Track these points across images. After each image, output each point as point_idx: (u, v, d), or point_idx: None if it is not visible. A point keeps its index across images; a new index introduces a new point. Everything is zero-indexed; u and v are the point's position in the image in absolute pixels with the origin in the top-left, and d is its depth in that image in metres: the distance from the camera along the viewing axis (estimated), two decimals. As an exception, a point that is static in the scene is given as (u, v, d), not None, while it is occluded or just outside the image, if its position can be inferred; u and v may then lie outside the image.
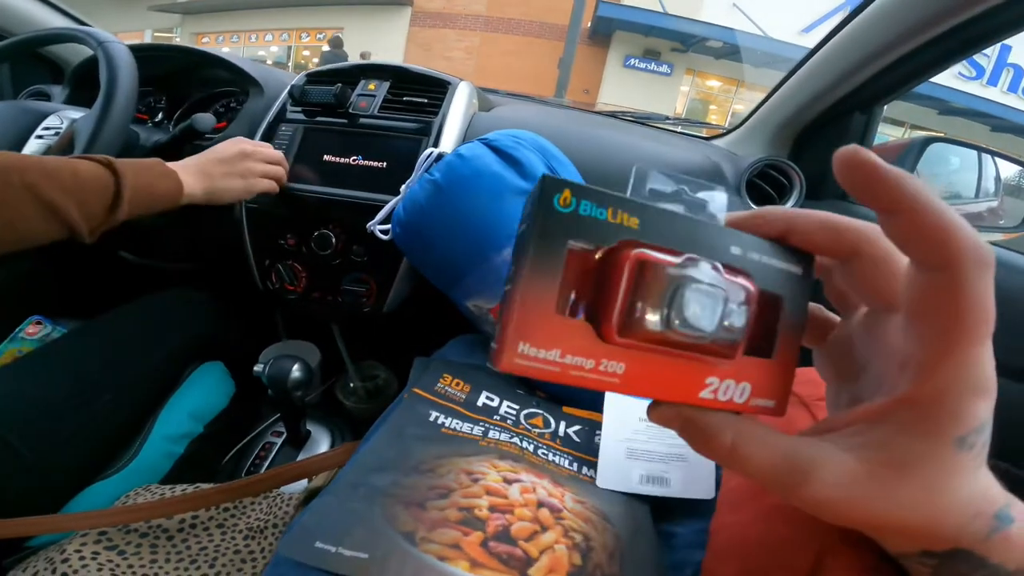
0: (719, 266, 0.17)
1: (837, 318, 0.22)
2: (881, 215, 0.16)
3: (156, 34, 11.57)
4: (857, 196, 0.16)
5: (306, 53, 11.79)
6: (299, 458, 0.76)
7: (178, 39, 11.76)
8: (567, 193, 0.16)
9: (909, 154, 0.88)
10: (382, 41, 10.60)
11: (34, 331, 0.77)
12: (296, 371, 0.66)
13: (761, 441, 0.17)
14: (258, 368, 0.69)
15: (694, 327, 0.16)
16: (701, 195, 0.20)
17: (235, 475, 0.73)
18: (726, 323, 0.17)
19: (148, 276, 0.94)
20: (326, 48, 8.68)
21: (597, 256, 0.16)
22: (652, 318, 0.16)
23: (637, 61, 10.32)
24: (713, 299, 0.16)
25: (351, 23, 10.90)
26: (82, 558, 0.43)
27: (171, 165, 0.60)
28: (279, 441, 0.77)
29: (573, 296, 0.16)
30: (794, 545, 0.26)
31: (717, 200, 0.20)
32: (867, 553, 0.22)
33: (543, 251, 0.16)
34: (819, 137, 0.82)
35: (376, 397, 0.93)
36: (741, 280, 0.17)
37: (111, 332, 0.70)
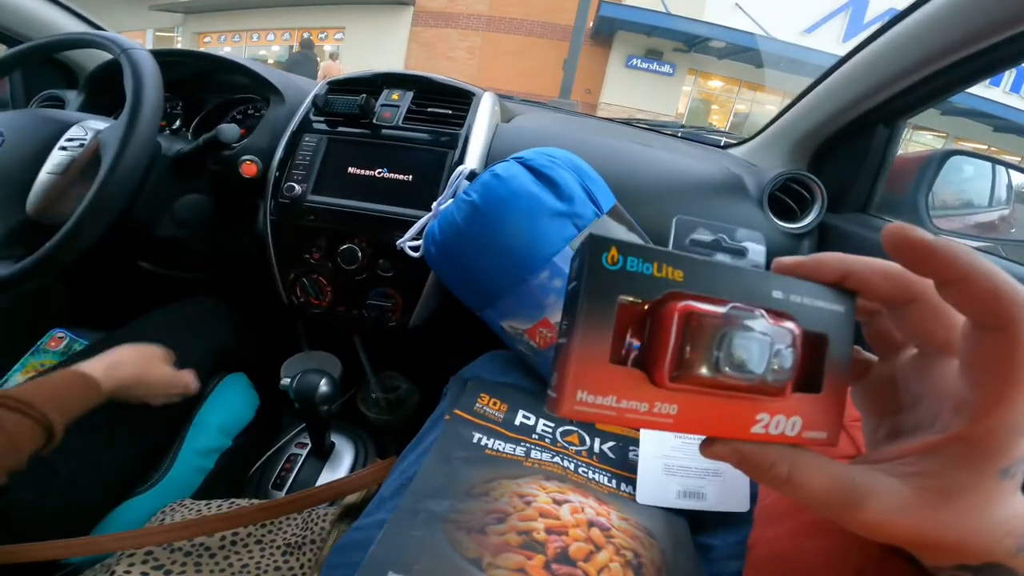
0: (763, 312, 0.18)
1: (874, 357, 0.24)
2: (937, 284, 0.18)
3: (157, 33, 11.54)
4: (912, 270, 0.18)
5: (307, 52, 11.76)
6: (323, 469, 0.76)
7: (179, 38, 11.74)
8: (614, 251, 0.17)
9: (930, 166, 0.88)
10: (384, 40, 10.59)
11: (56, 344, 0.77)
12: (324, 386, 0.66)
13: (817, 470, 0.18)
14: (285, 382, 0.69)
15: (742, 371, 0.17)
16: (741, 242, 0.20)
17: (261, 487, 0.73)
18: (774, 365, 0.18)
19: (167, 286, 0.94)
20: (295, 49, 8.43)
21: (645, 308, 0.18)
22: (702, 365, 0.17)
23: (639, 61, 10.32)
24: (760, 344, 0.18)
25: (352, 22, 10.89)
26: (128, 577, 0.43)
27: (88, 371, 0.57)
28: (304, 453, 0.77)
29: (625, 346, 0.18)
30: (833, 559, 0.28)
31: (756, 246, 0.21)
32: (905, 566, 0.24)
33: (595, 307, 0.17)
34: (841, 149, 0.82)
35: (397, 408, 0.93)
36: (786, 323, 0.18)
37: (135, 343, 0.70)
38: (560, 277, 0.50)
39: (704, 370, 0.17)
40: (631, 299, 0.17)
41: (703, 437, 0.19)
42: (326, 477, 0.75)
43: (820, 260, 0.20)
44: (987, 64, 0.59)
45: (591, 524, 0.36)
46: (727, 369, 0.17)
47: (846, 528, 0.19)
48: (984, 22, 0.54)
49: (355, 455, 0.79)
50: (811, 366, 0.19)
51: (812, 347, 0.19)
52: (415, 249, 0.59)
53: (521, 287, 0.50)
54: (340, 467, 0.77)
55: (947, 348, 0.20)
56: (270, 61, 11.61)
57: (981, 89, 8.76)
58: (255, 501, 0.54)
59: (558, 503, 0.37)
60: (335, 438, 0.81)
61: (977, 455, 0.18)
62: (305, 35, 9.09)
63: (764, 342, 0.18)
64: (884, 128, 0.78)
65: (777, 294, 0.19)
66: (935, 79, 0.64)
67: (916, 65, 0.63)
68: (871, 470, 0.19)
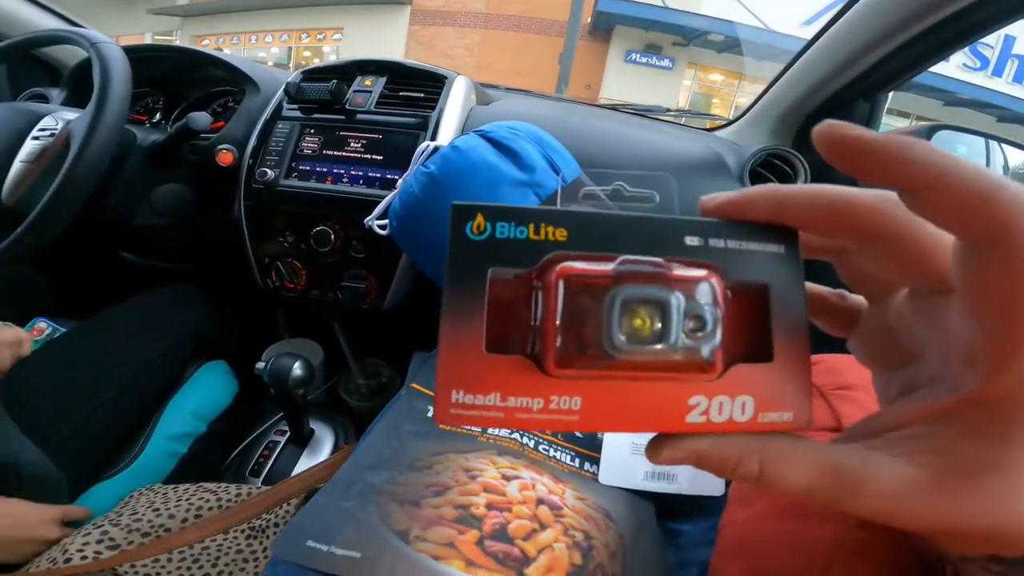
0: (668, 265, 0.14)
1: (862, 300, 0.19)
2: (901, 194, 0.14)
3: (156, 37, 11.59)
4: (862, 179, 0.14)
5: (307, 54, 11.79)
6: (302, 456, 0.76)
7: (178, 42, 11.78)
8: (479, 219, 0.14)
9: (914, 142, 0.87)
10: (382, 40, 10.60)
11: (38, 333, 0.77)
12: (297, 369, 0.66)
13: (794, 458, 0.15)
14: (260, 366, 0.69)
15: (646, 343, 0.14)
16: (646, 190, 0.18)
17: (239, 474, 0.73)
18: (690, 329, 0.14)
19: (149, 276, 0.94)
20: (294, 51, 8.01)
21: (533, 281, 0.14)
22: (596, 341, 0.14)
23: (638, 56, 10.27)
24: (661, 305, 0.14)
25: (351, 23, 10.90)
26: (84, 557, 0.43)
27: None
28: (283, 440, 0.77)
29: (507, 331, 0.14)
30: (802, 545, 0.25)
31: (665, 188, 0.17)
32: (883, 554, 0.21)
33: (460, 287, 0.14)
34: (823, 126, 0.81)
35: (380, 395, 0.93)
36: (700, 274, 0.14)
37: (106, 331, 0.70)
38: None
39: (600, 347, 0.14)
40: (505, 274, 0.14)
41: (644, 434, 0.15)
42: (305, 464, 0.74)
43: (747, 195, 0.15)
44: (955, 34, 0.58)
45: (540, 502, 0.35)
46: (624, 342, 0.14)
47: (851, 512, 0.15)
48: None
49: (335, 442, 0.79)
50: (755, 329, 0.15)
51: (751, 303, 0.15)
52: (383, 227, 0.59)
53: None
54: (320, 454, 0.77)
55: (944, 283, 0.15)
56: (269, 63, 11.62)
57: (983, 79, 8.70)
58: (222, 485, 0.54)
59: (507, 479, 0.36)
60: (315, 425, 0.80)
61: (1000, 423, 0.13)
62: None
63: (669, 300, 0.14)
64: (864, 103, 0.77)
65: (691, 240, 0.15)
66: (907, 49, 0.63)
67: (886, 34, 0.62)
68: (863, 449, 0.15)
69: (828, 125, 0.13)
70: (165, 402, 0.67)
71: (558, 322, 0.14)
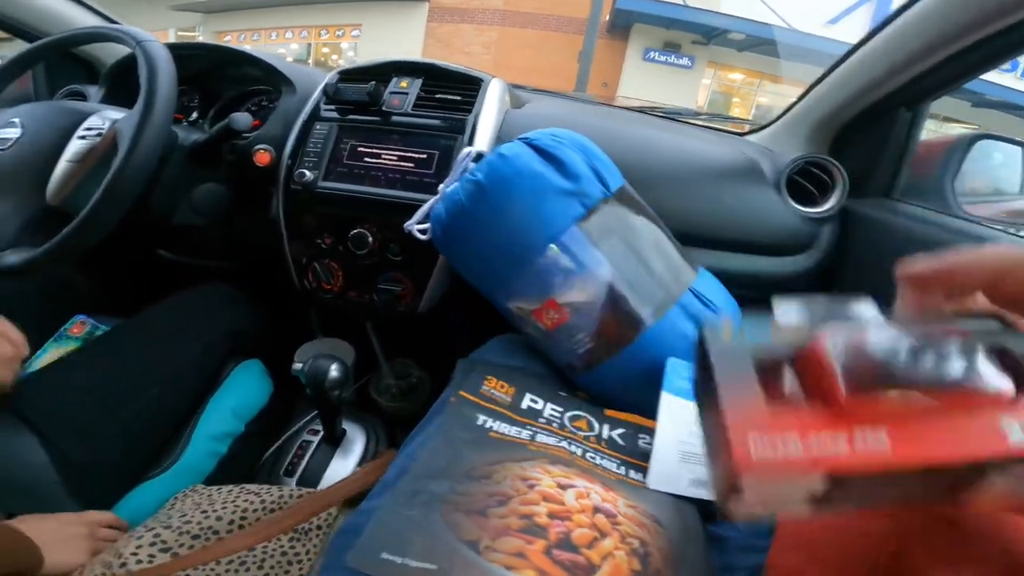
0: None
1: None
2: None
3: (179, 33, 11.75)
4: (950, 300, 0.17)
5: (325, 50, 11.87)
6: (334, 457, 0.77)
7: (200, 37, 11.94)
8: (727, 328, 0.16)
9: (956, 151, 0.85)
10: (400, 37, 10.62)
11: (78, 330, 0.79)
12: (334, 371, 0.67)
13: None
14: (297, 367, 0.70)
15: (942, 377, 0.14)
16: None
17: (273, 474, 0.74)
18: (980, 361, 0.15)
19: (187, 275, 0.96)
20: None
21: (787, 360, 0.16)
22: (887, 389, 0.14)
23: (657, 54, 10.17)
24: (942, 347, 0.15)
25: (369, 19, 10.94)
26: (139, 561, 0.43)
27: None
28: (316, 439, 0.78)
29: (781, 392, 0.15)
30: (869, 536, 0.26)
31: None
32: (954, 548, 0.21)
33: (731, 372, 0.15)
34: (862, 133, 0.80)
35: (410, 395, 0.93)
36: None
37: (149, 329, 0.71)
38: (569, 256, 0.49)
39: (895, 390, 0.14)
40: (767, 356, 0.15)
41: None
42: (337, 464, 0.75)
43: (953, 264, 0.17)
44: (1005, 46, 0.57)
45: (596, 510, 0.35)
46: (922, 380, 0.14)
47: None
48: (999, 1, 0.52)
49: (366, 442, 0.80)
50: None
51: None
52: (423, 232, 0.59)
53: (528, 267, 0.49)
54: (352, 454, 0.78)
55: None
56: (289, 59, 11.71)
57: (1013, 81, 8.46)
58: (264, 487, 0.55)
59: (563, 488, 0.37)
60: (347, 425, 0.81)
61: None
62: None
63: (948, 343, 0.15)
64: (906, 111, 0.75)
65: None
66: (954, 61, 0.62)
67: (933, 46, 0.61)
68: None
69: (900, 268, 0.17)
70: (205, 401, 0.68)
71: (840, 372, 0.14)
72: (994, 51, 0.59)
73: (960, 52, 0.60)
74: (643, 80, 10.08)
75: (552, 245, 0.49)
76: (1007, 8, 0.52)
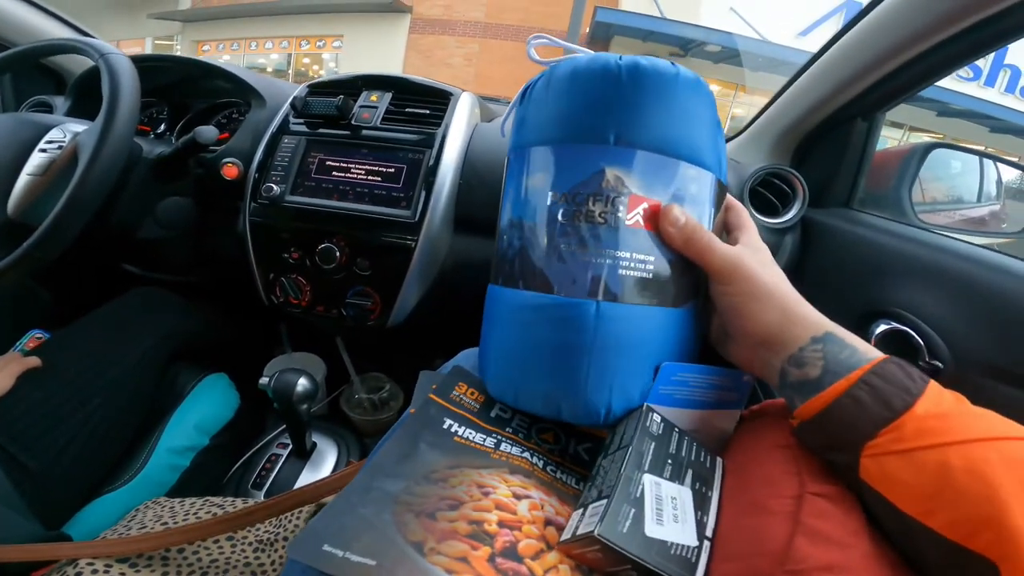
0: None
1: None
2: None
3: (157, 42, 11.62)
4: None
5: (306, 61, 11.83)
6: (304, 469, 0.76)
7: (179, 47, 11.80)
8: None
9: (911, 160, 0.88)
10: (382, 48, 10.64)
11: (34, 344, 0.78)
12: (301, 384, 0.66)
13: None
14: (264, 381, 0.69)
15: None
16: None
17: (241, 487, 0.73)
18: None
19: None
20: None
21: None
22: None
23: (636, 65, 10.33)
24: None
25: (351, 30, 10.95)
26: (95, 571, 0.43)
27: None
28: (285, 453, 0.77)
29: None
30: (766, 528, 0.28)
31: None
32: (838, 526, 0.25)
33: None
34: (821, 144, 0.82)
35: (381, 409, 0.93)
36: None
37: (83, 340, 0.71)
38: None
39: None
40: None
41: None
42: (307, 477, 0.75)
43: None
44: (955, 54, 0.59)
45: (548, 523, 0.35)
46: None
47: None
48: (944, 11, 0.54)
49: (337, 455, 0.79)
50: None
51: None
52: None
53: None
54: (322, 467, 0.77)
55: None
56: (269, 69, 11.67)
57: (976, 90, 8.78)
58: (228, 499, 0.54)
59: (518, 497, 0.37)
60: (318, 438, 0.80)
61: None
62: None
63: None
64: (862, 122, 0.78)
65: None
66: (906, 69, 0.64)
67: (886, 55, 0.63)
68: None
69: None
70: (167, 415, 0.67)
71: None
72: (941, 61, 0.61)
73: (909, 62, 0.62)
74: (622, 91, 10.19)
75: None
76: (955, 16, 0.55)
